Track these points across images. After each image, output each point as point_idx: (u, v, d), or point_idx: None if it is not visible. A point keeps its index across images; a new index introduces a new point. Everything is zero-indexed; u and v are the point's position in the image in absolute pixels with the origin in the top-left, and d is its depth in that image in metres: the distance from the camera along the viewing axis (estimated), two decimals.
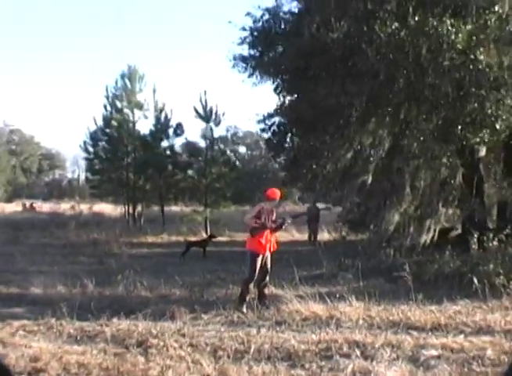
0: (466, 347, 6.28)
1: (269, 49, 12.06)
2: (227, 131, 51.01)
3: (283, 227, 9.19)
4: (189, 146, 25.82)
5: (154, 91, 25.30)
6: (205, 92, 24.10)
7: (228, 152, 30.50)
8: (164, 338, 6.74)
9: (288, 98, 12.77)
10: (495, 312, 8.13)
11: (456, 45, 9.30)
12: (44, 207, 38.51)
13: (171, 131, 25.00)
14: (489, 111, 9.48)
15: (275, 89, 12.51)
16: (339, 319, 7.67)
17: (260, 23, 12.74)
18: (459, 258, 11.16)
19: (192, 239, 18.45)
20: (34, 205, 41.05)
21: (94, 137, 25.16)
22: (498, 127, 9.60)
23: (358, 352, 6.11)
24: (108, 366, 5.70)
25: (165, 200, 25.46)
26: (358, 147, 11.02)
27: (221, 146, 25.57)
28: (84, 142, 25.57)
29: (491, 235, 11.14)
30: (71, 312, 7.91)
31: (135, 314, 7.89)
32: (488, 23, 9.82)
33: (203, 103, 24.10)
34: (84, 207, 33.58)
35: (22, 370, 5.58)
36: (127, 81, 24.81)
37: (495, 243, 11.07)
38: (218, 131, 25.79)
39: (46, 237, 20.81)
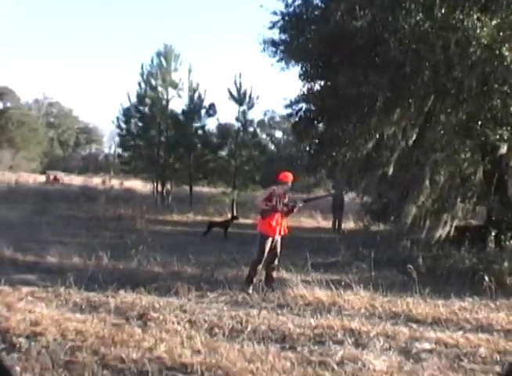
0: (461, 343, 6.27)
1: (299, 35, 12.01)
2: (264, 115, 51.13)
3: (295, 210, 9.19)
4: (221, 128, 25.92)
5: (190, 71, 25.44)
6: (240, 74, 24.25)
7: (263, 135, 30.64)
8: (164, 313, 6.92)
9: (313, 85, 12.71)
10: (500, 311, 8.05)
11: (481, 39, 9.13)
12: (75, 179, 39.14)
13: (203, 111, 25.12)
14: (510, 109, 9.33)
15: (300, 75, 12.49)
16: (341, 307, 7.74)
17: (291, 8, 12.70)
18: (476, 256, 11.09)
19: (216, 219, 18.66)
20: (58, 177, 41.21)
21: (127, 114, 25.45)
22: None
23: (351, 340, 6.18)
24: (104, 335, 5.90)
25: (194, 180, 25.64)
26: (379, 137, 10.94)
27: (254, 129, 25.50)
28: (118, 118, 25.98)
29: (509, 234, 10.99)
30: (81, 282, 8.22)
31: (144, 287, 8.09)
32: None
33: (238, 86, 24.21)
34: (115, 183, 34.11)
35: (21, 332, 5.82)
36: (162, 59, 25.01)
37: None
38: (255, 115, 25.87)
39: (74, 210, 21.24)
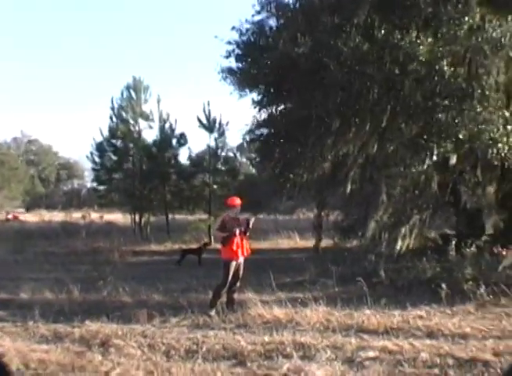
0: (406, 349, 6.65)
1: (252, 63, 12.52)
2: (243, 139, 51.48)
3: (250, 226, 9.48)
4: (192, 157, 26.39)
5: (159, 101, 25.90)
6: (208, 102, 24.75)
7: (243, 159, 31.10)
8: (125, 339, 7.25)
9: (268, 110, 13.18)
10: (455, 317, 8.46)
11: (419, 57, 9.69)
12: (57, 216, 39.22)
13: (174, 141, 25.58)
14: (454, 121, 9.82)
15: (253, 102, 12.97)
16: (297, 323, 8.10)
17: (245, 37, 13.24)
18: (438, 265, 11.49)
19: (191, 246, 18.94)
20: (16, 215, 41.46)
21: (100, 148, 25.81)
22: (461, 137, 9.94)
23: (300, 353, 6.55)
24: (65, 362, 6.22)
25: (171, 209, 25.96)
26: (335, 156, 11.41)
27: (225, 155, 25.91)
28: (91, 153, 26.27)
29: (469, 241, 11.41)
30: (51, 315, 8.56)
31: (108, 317, 8.40)
32: (458, 33, 10.17)
33: (207, 114, 24.73)
34: (95, 217, 34.34)
35: None
36: (132, 92, 25.52)
37: (472, 249, 11.33)
38: (234, 140, 26.37)
39: (53, 246, 21.44)
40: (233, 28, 13.29)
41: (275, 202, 25.48)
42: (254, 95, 13.24)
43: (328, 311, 8.78)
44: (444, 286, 9.65)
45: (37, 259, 17.01)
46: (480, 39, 10.28)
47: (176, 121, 25.92)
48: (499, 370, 5.81)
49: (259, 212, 12.67)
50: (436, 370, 5.93)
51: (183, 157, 27.54)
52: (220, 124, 24.84)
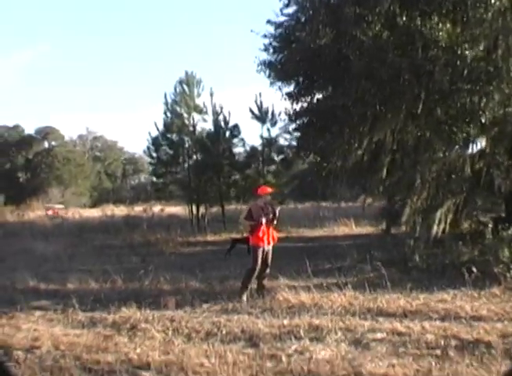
0: (415, 331, 6.93)
1: (285, 55, 12.86)
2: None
3: (276, 215, 9.87)
4: (246, 148, 26.95)
5: (211, 94, 26.37)
6: (260, 93, 25.21)
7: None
8: (153, 323, 7.82)
9: (305, 100, 13.43)
10: (479, 300, 8.61)
11: (439, 42, 9.74)
12: (123, 210, 40.54)
13: (228, 133, 26.14)
14: (476, 106, 9.83)
15: (287, 94, 13.29)
16: (320, 307, 8.45)
17: (280, 30, 13.58)
18: (476, 249, 11.53)
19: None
20: (56, 211, 42.29)
21: (156, 142, 26.72)
22: (484, 121, 9.94)
23: (312, 335, 6.93)
24: (92, 345, 6.85)
25: (226, 199, 26.52)
26: (370, 143, 11.61)
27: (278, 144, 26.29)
28: (148, 148, 27.25)
29: (506, 224, 11.39)
30: (90, 303, 9.27)
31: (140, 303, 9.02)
32: (484, 16, 10.15)
33: (259, 105, 25.20)
34: (157, 210, 35.46)
35: (21, 347, 6.84)
36: (185, 86, 26.22)
37: (510, 232, 11.31)
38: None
39: (111, 239, 22.46)
40: (268, 22, 13.65)
41: (339, 190, 25.82)
42: (289, 88, 13.56)
43: (354, 295, 9.12)
44: (474, 269, 9.75)
45: (92, 252, 17.95)
46: (509, 20, 10.21)
47: (230, 113, 26.46)
48: (499, 352, 5.99)
49: (302, 201, 12.92)
50: (438, 351, 6.17)
51: (238, 148, 27.88)
52: (272, 114, 25.25)
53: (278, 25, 13.72)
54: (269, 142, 25.84)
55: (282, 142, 26.02)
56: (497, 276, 9.64)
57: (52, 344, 6.92)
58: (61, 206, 46.33)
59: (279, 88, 13.91)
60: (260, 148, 26.15)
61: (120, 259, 15.94)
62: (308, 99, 12.95)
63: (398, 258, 12.36)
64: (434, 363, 5.74)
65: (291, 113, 13.69)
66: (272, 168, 26.20)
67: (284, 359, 6.06)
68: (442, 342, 6.45)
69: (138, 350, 6.52)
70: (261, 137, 25.77)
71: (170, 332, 7.44)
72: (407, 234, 13.85)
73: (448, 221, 11.42)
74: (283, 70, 12.75)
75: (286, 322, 7.66)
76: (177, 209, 35.94)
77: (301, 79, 12.51)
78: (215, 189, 26.10)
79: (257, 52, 14.16)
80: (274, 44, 13.90)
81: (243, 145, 26.96)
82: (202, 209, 27.06)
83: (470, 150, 12.24)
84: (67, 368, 5.99)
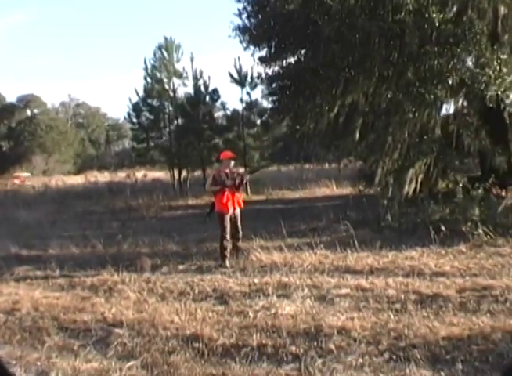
0: (378, 287, 7.27)
1: (257, 20, 12.92)
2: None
3: (243, 183, 10.04)
4: (226, 113, 27.07)
5: (192, 59, 26.34)
6: (239, 57, 25.16)
7: None
8: (129, 285, 8.13)
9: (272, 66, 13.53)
10: (445, 257, 8.95)
11: (408, 5, 9.88)
12: (106, 176, 40.48)
13: (208, 98, 26.21)
14: (444, 68, 10.02)
15: (260, 58, 13.37)
16: (292, 266, 8.78)
17: None
18: (447, 208, 11.86)
19: None
20: (23, 179, 41.95)
21: (136, 108, 26.75)
22: (451, 82, 10.16)
23: (280, 292, 7.27)
24: (69, 305, 7.15)
25: (207, 163, 26.63)
26: (342, 105, 11.82)
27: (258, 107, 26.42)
28: (129, 114, 27.30)
29: (476, 184, 11.70)
30: (72, 267, 9.57)
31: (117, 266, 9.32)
32: None
33: (238, 69, 25.18)
34: (140, 175, 35.47)
35: (2, 310, 7.14)
36: (164, 51, 26.14)
37: (479, 191, 11.62)
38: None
39: (93, 205, 22.59)
40: None
41: (317, 153, 26.01)
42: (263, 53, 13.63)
43: (325, 254, 9.46)
44: (443, 227, 10.11)
45: (74, 219, 18.11)
46: None
47: (209, 77, 26.49)
48: (455, 305, 6.35)
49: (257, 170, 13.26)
50: (397, 305, 6.51)
51: (219, 113, 27.98)
52: (252, 78, 25.22)
53: None
54: (249, 106, 25.90)
55: (265, 104, 26.25)
56: (465, 234, 9.96)
57: (31, 306, 7.23)
58: (27, 174, 46.25)
59: (253, 53, 13.98)
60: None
61: (101, 225, 16.16)
62: (281, 63, 13.02)
63: (372, 218, 12.68)
64: (392, 316, 6.07)
65: (263, 77, 13.83)
66: (254, 131, 26.23)
67: (251, 314, 6.39)
68: (403, 297, 6.79)
69: (114, 309, 6.83)
70: (241, 101, 25.80)
71: (145, 292, 7.75)
72: (381, 194, 14.17)
73: (419, 180, 11.72)
74: (256, 35, 12.81)
75: (256, 280, 7.99)
76: (160, 174, 36.06)
77: (273, 43, 12.57)
78: (196, 154, 26.20)
79: (232, 16, 14.15)
80: (248, 8, 13.91)
81: (224, 109, 27.10)
82: (184, 173, 27.25)
83: (444, 112, 12.52)
84: (45, 328, 6.30)
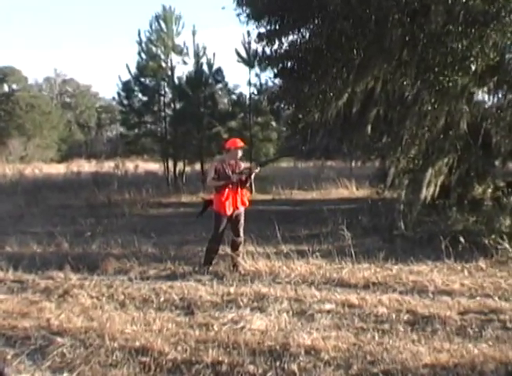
0: (369, 303, 7.38)
1: None
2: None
3: (252, 176, 9.60)
4: (231, 97, 27.01)
5: (194, 33, 26.18)
6: (248, 32, 24.90)
7: None
8: (87, 289, 8.33)
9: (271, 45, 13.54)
10: (458, 274, 9.02)
11: None
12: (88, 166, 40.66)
13: (210, 79, 26.18)
14: (466, 52, 10.01)
15: (258, 35, 13.40)
16: (277, 276, 8.92)
17: None
18: (473, 216, 11.86)
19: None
20: None
21: (127, 87, 26.47)
22: (474, 68, 10.15)
23: (255, 304, 7.42)
24: (13, 310, 7.35)
25: (208, 155, 26.52)
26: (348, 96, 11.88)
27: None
28: (119, 94, 26.97)
29: (509, 189, 11.70)
30: (26, 267, 9.78)
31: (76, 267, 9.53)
32: None
33: (246, 46, 25.16)
34: (130, 166, 35.62)
35: None
36: (162, 23, 25.99)
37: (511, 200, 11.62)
38: None
39: (71, 199, 22.76)
40: None
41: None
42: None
43: (319, 264, 9.60)
44: (462, 239, 10.11)
45: (45, 213, 18.35)
46: None
47: (214, 55, 26.52)
48: (453, 329, 6.43)
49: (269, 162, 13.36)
50: (386, 326, 6.62)
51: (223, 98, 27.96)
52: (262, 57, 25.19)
53: None
54: (258, 90, 25.90)
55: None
56: (488, 248, 9.95)
57: None
58: None
59: (251, 30, 14.01)
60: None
61: (74, 221, 16.35)
62: (282, 41, 13.01)
63: (385, 224, 12.75)
64: (376, 338, 6.17)
65: (261, 57, 13.90)
66: (263, 119, 26.18)
67: (215, 328, 6.54)
68: (394, 316, 6.90)
69: (62, 316, 7.01)
70: (249, 83, 25.76)
71: (103, 299, 7.95)
72: (396, 198, 14.20)
73: (439, 183, 11.74)
74: (256, 8, 12.88)
75: (232, 290, 8.15)
76: (155, 166, 36.20)
77: (273, 19, 12.60)
78: (195, 144, 26.16)
79: None
80: None
81: (228, 93, 27.06)
82: (180, 166, 27.28)
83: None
84: None
